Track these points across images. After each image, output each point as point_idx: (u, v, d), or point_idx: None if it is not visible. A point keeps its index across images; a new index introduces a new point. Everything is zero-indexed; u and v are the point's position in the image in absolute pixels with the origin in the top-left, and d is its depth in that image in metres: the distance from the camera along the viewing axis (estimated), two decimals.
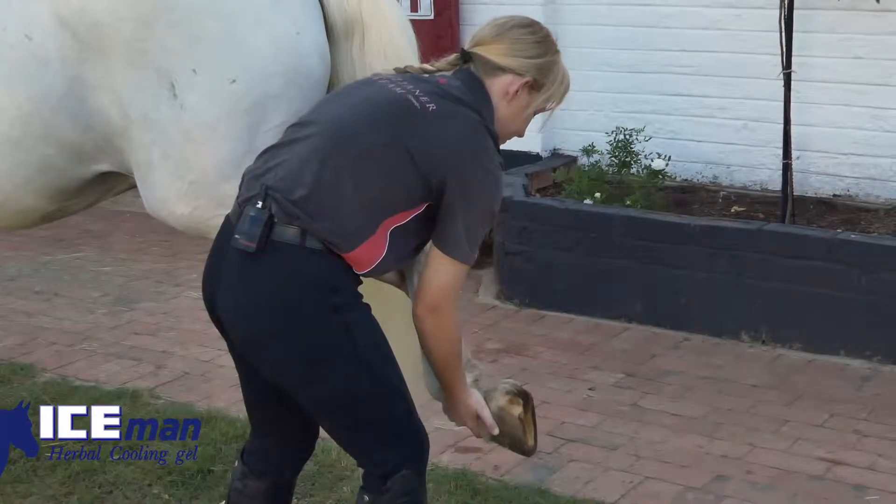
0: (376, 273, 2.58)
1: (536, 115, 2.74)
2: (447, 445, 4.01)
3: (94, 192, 3.09)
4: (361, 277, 2.58)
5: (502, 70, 2.62)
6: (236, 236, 2.51)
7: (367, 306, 2.59)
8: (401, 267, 2.76)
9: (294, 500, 3.01)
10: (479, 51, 2.65)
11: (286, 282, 2.49)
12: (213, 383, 4.67)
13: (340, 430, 2.66)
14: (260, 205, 2.50)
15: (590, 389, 4.64)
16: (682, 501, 3.75)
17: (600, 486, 3.85)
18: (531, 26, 2.68)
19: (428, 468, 3.81)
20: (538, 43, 2.65)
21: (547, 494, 3.77)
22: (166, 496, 3.76)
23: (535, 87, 2.64)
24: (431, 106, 2.54)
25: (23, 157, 2.90)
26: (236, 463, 2.92)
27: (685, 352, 5.03)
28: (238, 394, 4.29)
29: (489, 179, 2.54)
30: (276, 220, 2.48)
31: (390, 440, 2.60)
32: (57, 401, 4.45)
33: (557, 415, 4.39)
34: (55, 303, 5.77)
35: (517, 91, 2.62)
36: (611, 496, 3.78)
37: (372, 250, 2.52)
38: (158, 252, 6.48)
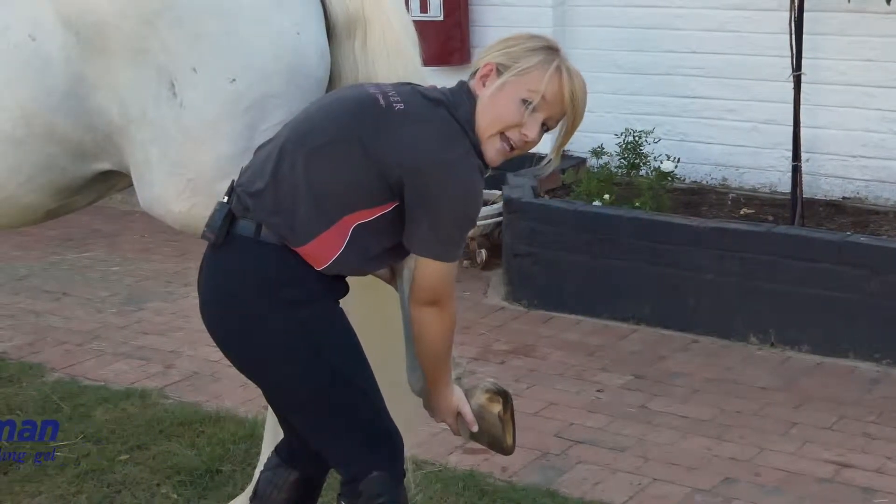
0: (341, 270, 2.57)
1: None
2: (455, 447, 4.01)
3: (97, 189, 3.10)
4: (347, 275, 2.60)
5: (476, 71, 2.63)
6: (204, 229, 2.60)
7: (333, 303, 2.59)
8: (380, 267, 2.74)
9: None
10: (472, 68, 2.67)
11: (239, 275, 2.54)
12: (222, 383, 4.67)
13: (307, 431, 2.67)
14: (225, 199, 2.59)
15: (598, 391, 4.63)
16: (689, 503, 3.75)
17: (608, 487, 3.85)
18: (514, 34, 2.67)
19: (436, 469, 3.87)
20: (510, 39, 2.63)
21: (555, 496, 3.77)
22: (175, 496, 3.77)
23: (501, 70, 2.57)
24: (399, 106, 2.54)
25: (26, 156, 2.91)
26: (263, 451, 2.95)
27: (693, 354, 5.03)
28: (247, 394, 4.34)
29: (452, 180, 2.49)
30: (235, 214, 2.54)
31: (356, 442, 2.60)
32: (65, 400, 4.48)
33: (565, 416, 4.39)
34: (64, 302, 5.78)
35: (485, 76, 2.59)
36: (619, 498, 3.77)
37: (326, 246, 2.51)
38: (168, 252, 6.50)
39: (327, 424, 2.61)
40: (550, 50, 2.60)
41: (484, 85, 2.59)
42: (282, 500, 2.85)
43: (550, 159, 2.72)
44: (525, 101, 2.56)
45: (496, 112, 2.57)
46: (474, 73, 2.64)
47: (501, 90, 2.56)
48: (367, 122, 2.53)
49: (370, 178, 2.50)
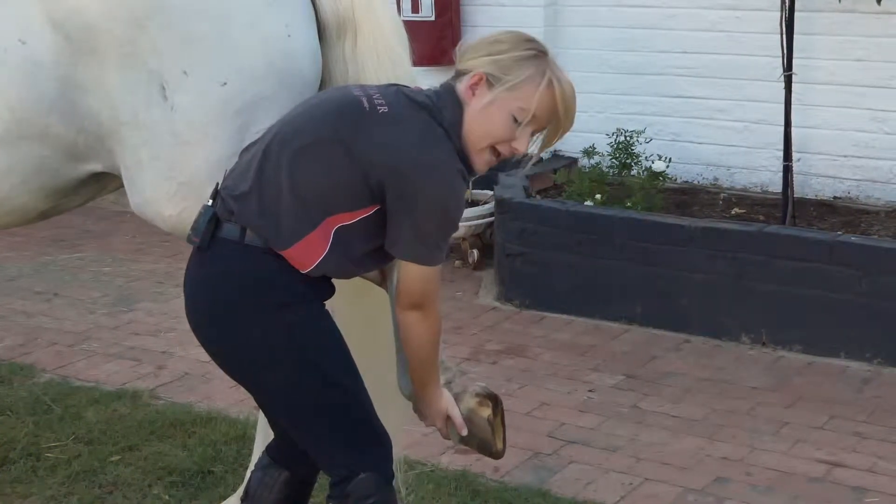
0: (325, 272, 2.56)
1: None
2: (447, 447, 3.99)
3: (89, 190, 3.10)
4: (333, 278, 2.60)
5: (462, 74, 2.59)
6: (189, 232, 2.61)
7: (319, 306, 2.59)
8: (367, 270, 2.73)
9: None
10: (456, 66, 2.63)
11: (225, 278, 2.54)
12: (214, 384, 4.67)
13: (295, 432, 2.67)
14: (210, 202, 2.59)
15: (590, 391, 4.63)
16: (681, 503, 3.75)
17: (600, 487, 3.85)
18: (500, 34, 2.62)
19: (428, 469, 3.86)
20: (497, 42, 2.58)
21: (547, 496, 3.77)
22: (166, 497, 3.76)
23: (492, 81, 2.53)
24: (383, 108, 2.53)
25: (18, 159, 2.90)
26: (254, 452, 2.96)
27: (685, 353, 5.03)
28: (238, 394, 4.33)
29: (433, 183, 2.48)
30: (219, 217, 2.55)
31: (345, 443, 2.60)
32: (57, 401, 4.47)
33: (557, 416, 4.39)
34: (55, 303, 5.77)
35: (475, 85, 2.55)
36: (611, 498, 3.78)
37: (310, 249, 2.51)
38: (159, 252, 6.49)
39: (316, 426, 2.61)
40: (539, 56, 2.56)
41: (473, 94, 2.55)
42: (273, 501, 2.85)
43: (531, 158, 2.70)
44: (516, 119, 2.54)
45: (487, 127, 2.55)
46: (459, 74, 2.59)
47: (492, 105, 2.54)
48: (349, 123, 2.52)
49: (352, 179, 2.49)
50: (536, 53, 2.57)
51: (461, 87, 2.58)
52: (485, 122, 2.55)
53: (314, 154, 2.51)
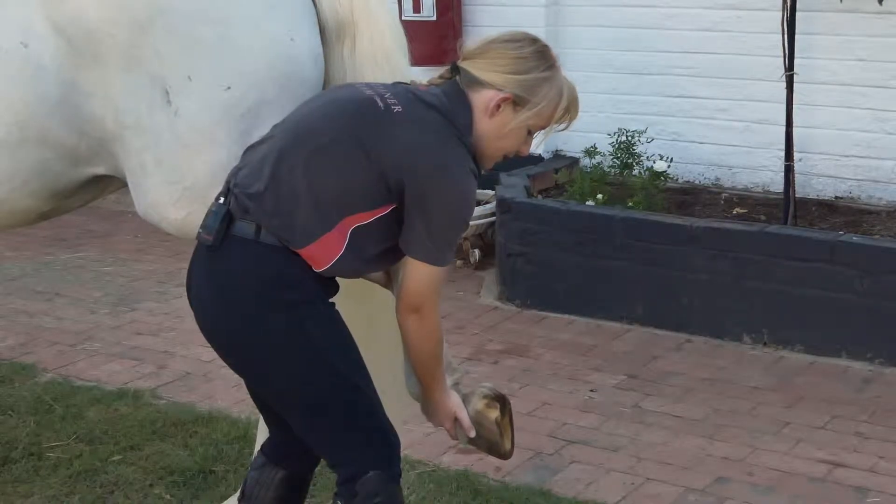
0: (339, 273, 2.58)
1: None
2: (448, 447, 4.00)
3: (89, 192, 3.10)
4: (337, 277, 2.60)
5: (482, 84, 2.59)
6: (199, 230, 2.60)
7: (330, 305, 2.60)
8: (375, 269, 2.75)
9: None
10: (464, 64, 2.62)
11: (239, 276, 2.54)
12: (215, 383, 4.67)
13: (304, 430, 2.67)
14: (222, 200, 2.59)
15: (591, 391, 4.64)
16: (682, 503, 3.75)
17: (601, 487, 3.85)
18: (518, 41, 2.62)
19: (429, 469, 3.87)
20: (521, 59, 2.58)
21: (548, 495, 3.77)
22: (168, 496, 3.76)
23: (518, 103, 2.57)
24: (397, 108, 2.54)
25: (19, 161, 2.90)
26: (256, 452, 2.96)
27: (686, 353, 5.03)
28: (240, 394, 4.33)
29: (449, 184, 2.51)
30: (233, 215, 2.54)
31: (354, 441, 2.61)
32: (58, 401, 4.47)
33: (559, 416, 4.39)
34: (57, 303, 5.77)
35: (497, 106, 2.57)
36: (612, 497, 3.78)
37: (326, 248, 2.52)
38: (160, 252, 6.50)
39: (325, 424, 2.61)
40: (555, 70, 2.61)
41: (497, 110, 2.57)
42: (269, 500, 2.85)
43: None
44: (530, 131, 2.62)
45: (505, 144, 2.63)
46: (473, 81, 2.59)
47: (515, 126, 2.60)
48: (366, 123, 2.52)
49: (370, 179, 2.50)
50: (554, 67, 2.62)
51: (479, 98, 2.59)
52: (504, 139, 2.62)
53: (331, 155, 2.51)
